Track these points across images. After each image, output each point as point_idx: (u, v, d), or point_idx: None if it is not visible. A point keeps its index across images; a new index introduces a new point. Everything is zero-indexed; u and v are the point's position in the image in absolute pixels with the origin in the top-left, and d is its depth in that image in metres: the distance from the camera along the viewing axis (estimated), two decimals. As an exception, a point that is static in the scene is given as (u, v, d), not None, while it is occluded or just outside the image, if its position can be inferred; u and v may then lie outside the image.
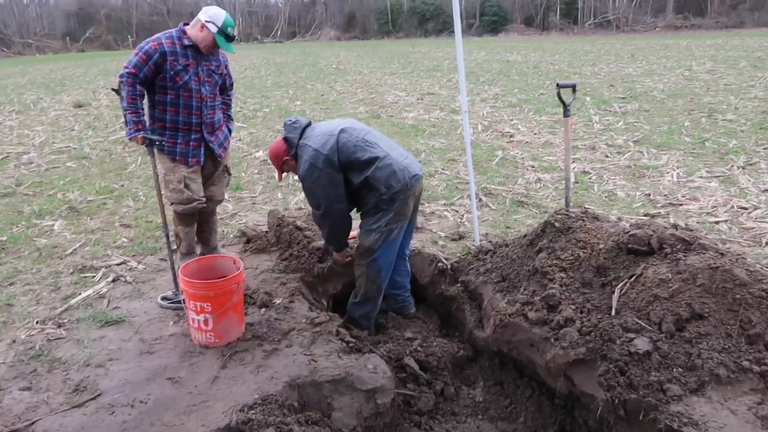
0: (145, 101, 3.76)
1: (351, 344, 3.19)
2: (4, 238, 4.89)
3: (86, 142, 9.19)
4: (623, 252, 3.04)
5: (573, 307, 2.88)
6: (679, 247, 2.90)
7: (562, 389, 2.81)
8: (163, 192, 3.78)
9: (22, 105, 13.83)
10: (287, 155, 3.46)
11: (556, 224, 3.37)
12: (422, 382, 3.23)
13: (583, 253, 3.15)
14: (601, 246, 3.15)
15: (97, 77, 21.00)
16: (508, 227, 4.78)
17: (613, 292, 2.87)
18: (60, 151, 8.62)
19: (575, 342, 2.70)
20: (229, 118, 4.16)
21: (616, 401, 2.44)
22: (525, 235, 3.72)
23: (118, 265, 4.32)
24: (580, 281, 3.05)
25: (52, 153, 8.52)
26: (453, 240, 4.53)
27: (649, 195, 5.48)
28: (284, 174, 3.64)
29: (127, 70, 3.58)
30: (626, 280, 2.90)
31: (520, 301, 3.07)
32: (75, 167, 7.62)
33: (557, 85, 3.65)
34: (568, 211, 3.53)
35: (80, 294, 3.83)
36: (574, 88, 3.70)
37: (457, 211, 5.27)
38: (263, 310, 3.48)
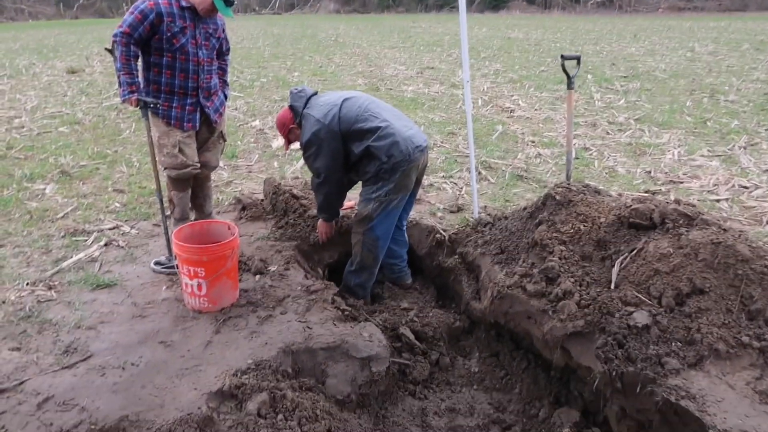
0: (140, 62, 3.65)
1: (346, 312, 3.16)
2: (-6, 201, 4.80)
3: (79, 108, 9.03)
4: (624, 226, 2.99)
5: (572, 280, 2.85)
6: (681, 222, 2.86)
7: (559, 361, 2.79)
8: (156, 156, 3.70)
9: (14, 70, 13.56)
10: (293, 123, 3.50)
11: (557, 197, 3.32)
12: (417, 352, 3.21)
13: (584, 226, 3.11)
14: (602, 220, 3.10)
15: (90, 44, 20.58)
16: (507, 201, 4.73)
17: (613, 266, 2.84)
18: (52, 116, 8.46)
19: (573, 314, 2.68)
20: (224, 83, 4.06)
21: (614, 374, 2.42)
22: (525, 208, 3.67)
23: (110, 229, 4.26)
24: (579, 254, 3.00)
25: (44, 118, 8.36)
26: (452, 212, 4.48)
27: (650, 172, 5.43)
28: (291, 145, 3.62)
29: (121, 30, 3.45)
30: (627, 254, 2.85)
31: (519, 273, 3.04)
32: (67, 132, 7.48)
33: (561, 56, 3.63)
34: (569, 184, 3.47)
35: (71, 257, 3.77)
36: (578, 60, 3.65)
37: (456, 184, 5.21)
38: (258, 276, 3.44)
